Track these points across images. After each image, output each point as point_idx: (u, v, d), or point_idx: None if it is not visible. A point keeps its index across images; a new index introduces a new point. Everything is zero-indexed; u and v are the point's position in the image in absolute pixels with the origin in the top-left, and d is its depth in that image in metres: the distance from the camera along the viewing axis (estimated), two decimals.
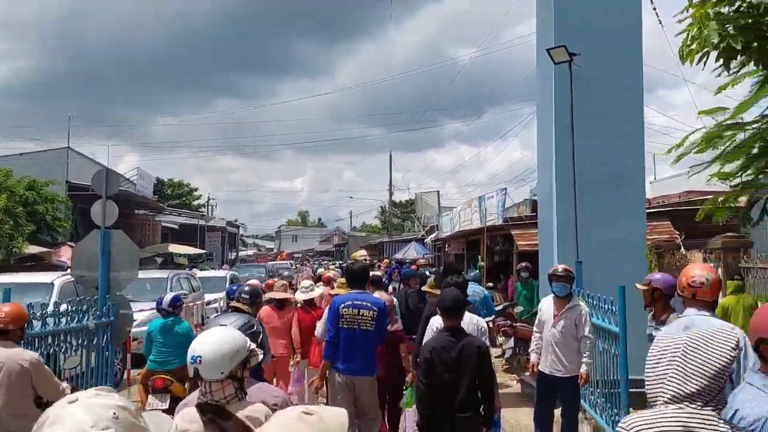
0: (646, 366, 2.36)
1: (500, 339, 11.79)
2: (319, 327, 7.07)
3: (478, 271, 15.61)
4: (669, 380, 2.24)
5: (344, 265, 21.65)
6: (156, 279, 15.39)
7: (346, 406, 4.85)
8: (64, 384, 5.34)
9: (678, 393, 2.21)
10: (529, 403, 8.33)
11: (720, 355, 2.22)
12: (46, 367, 5.06)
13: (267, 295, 8.50)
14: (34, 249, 21.76)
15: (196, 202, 62.56)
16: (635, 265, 8.24)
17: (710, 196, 19.44)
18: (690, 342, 2.29)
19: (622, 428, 2.27)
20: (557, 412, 6.78)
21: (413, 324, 7.57)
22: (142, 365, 11.26)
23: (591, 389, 7.16)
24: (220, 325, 3.19)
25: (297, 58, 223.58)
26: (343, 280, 7.69)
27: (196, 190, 64.65)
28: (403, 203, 68.08)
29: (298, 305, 8.56)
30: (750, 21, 6.59)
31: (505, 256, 21.49)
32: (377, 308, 6.01)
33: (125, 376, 10.88)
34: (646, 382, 2.32)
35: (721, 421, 2.21)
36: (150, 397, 7.12)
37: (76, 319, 7.33)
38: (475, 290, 8.96)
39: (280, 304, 8.13)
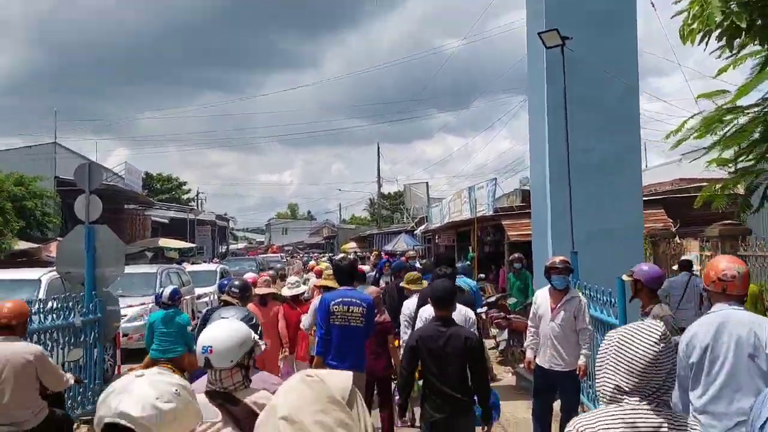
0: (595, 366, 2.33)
1: (494, 331, 11.65)
2: (305, 319, 7.14)
3: (468, 262, 15.39)
4: (606, 379, 2.26)
5: (333, 257, 21.49)
6: (145, 274, 15.17)
7: None
8: (68, 375, 5.52)
9: (615, 391, 2.23)
10: (525, 396, 8.19)
11: (645, 350, 2.21)
12: (50, 359, 5.23)
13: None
14: (24, 245, 21.66)
15: (185, 196, 62.13)
16: (632, 254, 8.09)
17: (704, 184, 19.45)
18: (620, 339, 2.28)
19: (569, 430, 2.26)
20: (555, 406, 6.64)
21: None
22: (133, 361, 11.15)
23: (590, 382, 7.01)
24: (222, 317, 3.42)
25: (283, 51, 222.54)
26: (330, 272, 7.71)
27: (185, 184, 64.26)
28: (392, 195, 67.81)
29: (284, 301, 8.45)
30: None
31: (496, 247, 21.35)
32: (366, 304, 6.12)
33: (116, 372, 10.64)
34: (596, 382, 2.34)
35: (663, 413, 2.20)
36: None
37: (62, 316, 7.14)
38: (464, 283, 8.75)
39: (264, 300, 7.93)
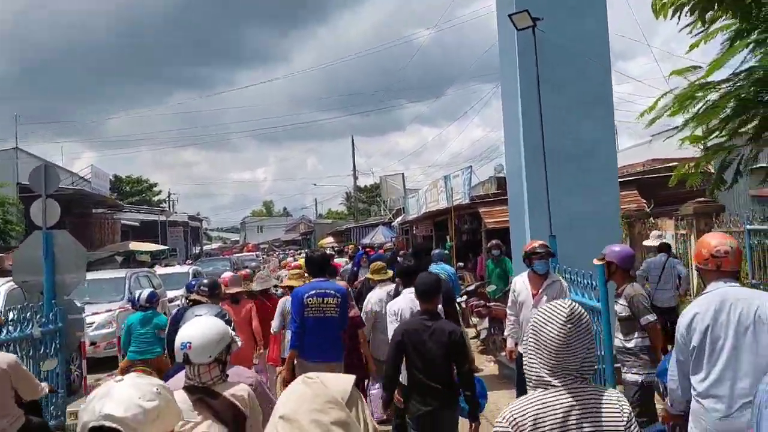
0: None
1: (474, 320, 11.47)
2: (275, 321, 7.10)
3: (447, 250, 15.19)
4: (529, 365, 2.30)
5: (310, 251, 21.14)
6: (113, 279, 14.83)
7: None
8: (43, 384, 5.50)
9: (538, 375, 2.27)
10: (508, 385, 8.02)
11: (555, 333, 2.24)
12: (24, 368, 5.23)
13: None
14: None
15: (156, 198, 61.35)
16: (610, 235, 7.91)
17: (676, 163, 19.51)
18: (534, 324, 2.31)
19: (499, 423, 2.27)
20: None
21: None
22: (103, 369, 10.78)
23: None
24: (196, 315, 3.52)
25: (252, 47, 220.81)
26: (296, 272, 7.74)
27: (155, 185, 63.50)
28: (368, 188, 67.57)
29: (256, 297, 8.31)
30: None
31: (473, 235, 21.23)
32: (340, 295, 6.09)
33: (83, 383, 10.26)
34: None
35: (588, 390, 2.25)
36: None
37: (19, 328, 6.78)
38: (441, 270, 8.55)
39: (236, 299, 7.74)
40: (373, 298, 7.13)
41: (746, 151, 8.12)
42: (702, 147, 8.94)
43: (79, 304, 11.24)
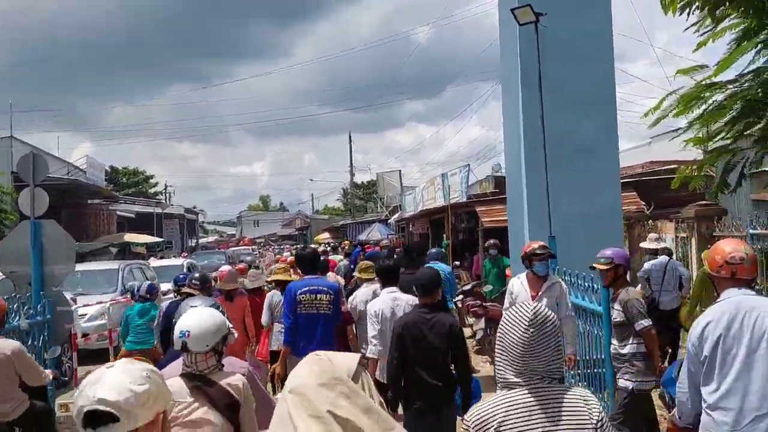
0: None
1: (470, 320, 11.31)
2: (264, 315, 7.14)
3: (443, 249, 15.05)
4: (498, 367, 2.34)
5: (301, 248, 21.00)
6: (106, 270, 14.65)
7: None
8: (47, 371, 5.65)
9: (505, 377, 2.30)
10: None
11: (517, 338, 2.27)
12: (28, 355, 5.41)
13: (217, 286, 7.94)
14: None
15: (152, 190, 61.04)
16: (611, 237, 7.78)
17: (675, 166, 19.34)
18: (500, 328, 2.36)
19: (465, 423, 2.32)
20: None
21: None
22: (95, 362, 10.59)
23: (571, 372, 6.69)
24: (191, 306, 3.62)
25: (252, 41, 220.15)
26: (283, 266, 7.91)
27: (152, 177, 63.13)
28: (364, 184, 67.35)
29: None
30: None
31: (470, 234, 21.10)
32: (333, 291, 6.13)
33: (74, 375, 10.10)
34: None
35: (555, 390, 2.28)
36: None
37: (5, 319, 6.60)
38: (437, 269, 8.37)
39: (230, 296, 7.56)
40: (359, 296, 7.02)
41: (751, 154, 7.97)
42: (705, 149, 8.79)
43: (70, 296, 11.11)
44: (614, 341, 5.48)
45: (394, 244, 23.38)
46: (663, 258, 9.69)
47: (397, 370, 4.76)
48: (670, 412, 3.85)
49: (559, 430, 2.24)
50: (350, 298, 7.26)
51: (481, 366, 9.92)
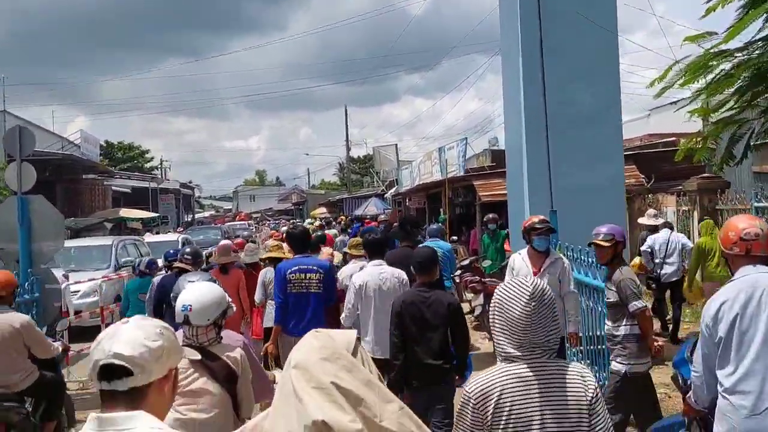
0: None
1: (469, 295, 11.17)
2: (257, 293, 7.13)
3: (440, 224, 14.88)
4: (497, 340, 2.39)
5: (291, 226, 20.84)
6: (100, 246, 14.48)
7: None
8: (57, 343, 5.85)
9: (505, 350, 2.34)
10: None
11: (518, 313, 2.30)
12: (36, 328, 5.54)
13: (212, 259, 8.04)
14: None
15: (148, 165, 60.58)
16: (614, 210, 7.63)
17: (674, 138, 19.07)
18: (498, 302, 2.39)
19: (466, 393, 2.35)
20: None
21: None
22: (87, 339, 10.42)
23: (573, 349, 6.54)
24: (189, 281, 3.77)
25: (247, 15, 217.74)
26: (277, 243, 7.85)
27: (147, 152, 62.57)
28: (361, 159, 66.95)
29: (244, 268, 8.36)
30: None
31: (467, 208, 20.94)
32: (324, 270, 6.10)
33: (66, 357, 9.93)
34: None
35: (553, 364, 2.33)
36: None
37: None
38: (436, 247, 8.12)
39: (225, 269, 7.61)
40: (346, 271, 6.96)
41: (757, 124, 7.74)
42: (711, 120, 8.55)
43: (62, 272, 10.92)
44: (608, 322, 5.32)
45: (390, 219, 23.22)
46: (665, 231, 9.60)
47: (399, 349, 4.75)
48: (684, 394, 3.68)
49: (557, 404, 2.29)
50: (338, 274, 7.14)
51: (480, 342, 9.80)
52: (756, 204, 8.82)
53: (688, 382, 3.56)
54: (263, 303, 7.14)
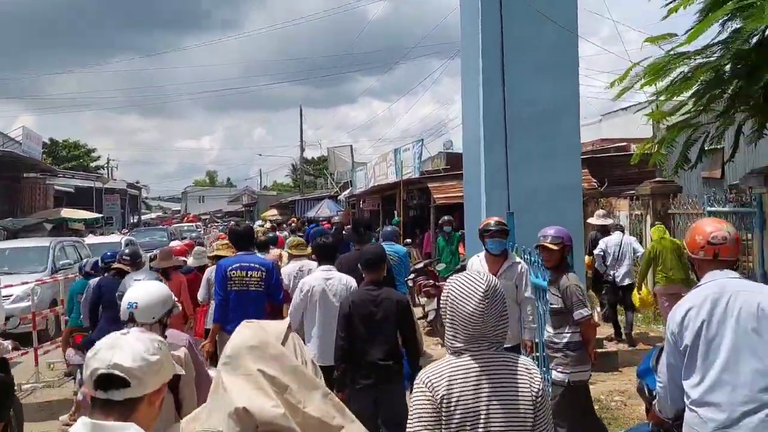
0: None
1: (422, 299, 10.94)
2: (200, 291, 7.07)
3: (395, 226, 14.66)
4: (447, 334, 2.40)
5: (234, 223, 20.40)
6: (36, 248, 13.78)
7: None
8: (6, 343, 5.78)
9: (454, 344, 2.36)
10: None
11: (471, 310, 2.32)
12: None
13: (152, 264, 8.13)
14: None
15: (94, 164, 58.97)
16: (572, 213, 7.48)
17: (625, 143, 19.25)
18: (451, 297, 2.39)
19: (417, 386, 2.36)
20: None
21: None
22: (23, 345, 9.83)
23: (536, 355, 6.32)
24: (135, 280, 3.81)
25: (203, 14, 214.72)
26: (225, 242, 7.83)
27: (94, 150, 60.99)
28: (315, 160, 66.45)
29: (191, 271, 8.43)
30: None
31: (421, 211, 20.78)
32: (265, 269, 6.04)
33: None
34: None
35: (499, 357, 2.36)
36: (69, 350, 7.50)
37: None
38: (391, 251, 7.80)
39: (166, 273, 7.35)
40: (285, 271, 6.85)
41: (712, 128, 7.73)
42: (667, 124, 8.52)
43: None
44: (548, 328, 5.17)
45: (343, 221, 22.89)
46: (617, 234, 9.59)
47: (344, 351, 4.69)
48: (649, 404, 3.49)
49: (503, 396, 2.31)
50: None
51: (432, 348, 9.53)
52: (709, 208, 8.82)
53: (654, 393, 3.36)
54: (206, 302, 7.01)
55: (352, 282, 5.58)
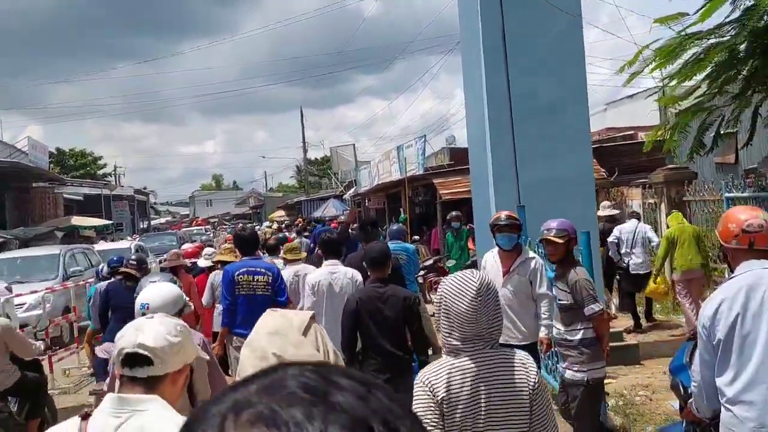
0: None
1: (433, 296, 10.74)
2: (205, 295, 7.14)
3: (401, 224, 14.45)
4: (443, 333, 2.41)
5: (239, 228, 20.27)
6: (46, 256, 13.78)
7: None
8: (37, 343, 6.08)
9: (450, 343, 2.37)
10: None
11: (465, 308, 2.32)
12: (17, 331, 5.90)
13: (162, 265, 8.21)
14: None
15: (101, 171, 59.05)
16: (585, 203, 7.26)
17: (632, 132, 18.96)
18: (444, 296, 2.40)
19: (417, 386, 2.39)
20: None
21: None
22: None
23: (544, 356, 6.11)
24: (150, 282, 4.00)
25: (199, 16, 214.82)
26: (230, 246, 7.88)
27: (100, 158, 61.06)
28: (318, 161, 66.27)
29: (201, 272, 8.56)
30: None
31: (427, 207, 20.59)
32: (272, 273, 6.08)
33: None
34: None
35: (498, 354, 2.37)
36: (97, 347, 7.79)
37: None
38: (400, 249, 7.57)
39: (176, 274, 7.32)
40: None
41: (727, 112, 7.49)
42: (678, 108, 8.29)
43: (4, 284, 10.20)
44: (558, 325, 4.91)
45: (348, 220, 22.70)
46: (632, 221, 9.37)
47: (350, 345, 4.74)
48: (684, 402, 3.29)
49: (501, 394, 2.33)
50: None
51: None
52: (727, 194, 8.55)
53: (689, 390, 3.16)
54: (211, 305, 7.12)
55: (358, 276, 5.63)
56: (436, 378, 2.35)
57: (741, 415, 2.76)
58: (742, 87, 6.76)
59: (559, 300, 4.89)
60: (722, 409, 2.85)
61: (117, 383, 2.23)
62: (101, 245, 20.17)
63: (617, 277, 9.64)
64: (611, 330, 6.01)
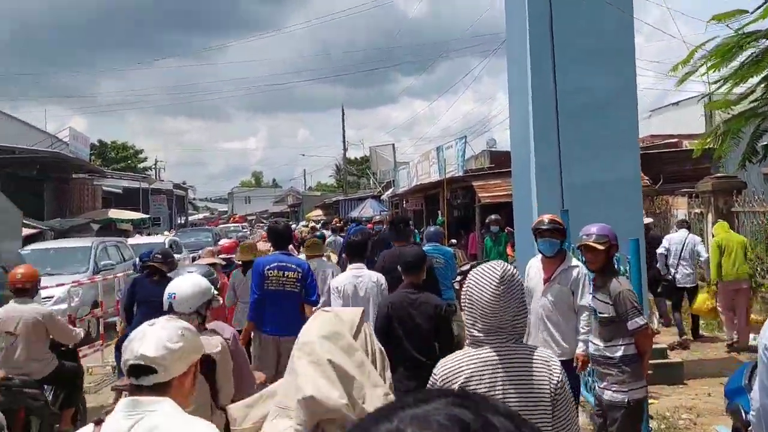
0: None
1: None
2: (228, 295, 7.03)
3: (439, 226, 14.17)
4: (467, 324, 2.43)
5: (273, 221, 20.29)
6: (78, 248, 13.65)
7: (269, 365, 5.51)
8: (77, 330, 6.21)
9: (473, 334, 2.38)
10: None
11: (488, 296, 2.31)
12: (59, 318, 6.00)
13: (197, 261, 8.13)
14: None
15: (142, 165, 59.86)
16: (631, 208, 6.94)
17: (676, 140, 18.39)
18: (468, 286, 2.37)
19: (435, 376, 2.41)
20: None
21: None
22: None
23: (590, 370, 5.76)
24: (188, 271, 4.07)
25: (245, 14, 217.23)
26: (250, 245, 7.98)
27: (141, 152, 61.94)
28: (357, 160, 66.32)
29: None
30: None
31: (465, 211, 20.27)
32: (302, 269, 6.03)
33: None
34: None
35: (520, 348, 2.35)
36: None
37: None
38: (436, 252, 7.26)
39: None
40: None
41: None
42: (731, 113, 7.90)
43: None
44: (596, 341, 4.51)
45: (386, 221, 22.53)
46: (682, 231, 9.00)
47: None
48: (746, 429, 2.98)
49: (520, 389, 2.29)
50: None
51: None
52: None
53: (748, 417, 2.87)
54: (233, 304, 7.10)
55: (382, 279, 5.57)
56: (454, 369, 2.36)
57: None
58: None
59: (600, 312, 4.50)
60: None
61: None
62: (136, 239, 20.23)
63: (659, 289, 9.26)
64: (654, 346, 5.64)
